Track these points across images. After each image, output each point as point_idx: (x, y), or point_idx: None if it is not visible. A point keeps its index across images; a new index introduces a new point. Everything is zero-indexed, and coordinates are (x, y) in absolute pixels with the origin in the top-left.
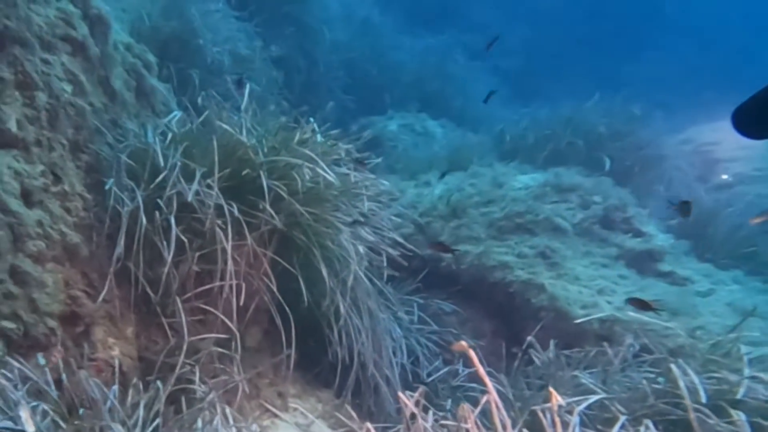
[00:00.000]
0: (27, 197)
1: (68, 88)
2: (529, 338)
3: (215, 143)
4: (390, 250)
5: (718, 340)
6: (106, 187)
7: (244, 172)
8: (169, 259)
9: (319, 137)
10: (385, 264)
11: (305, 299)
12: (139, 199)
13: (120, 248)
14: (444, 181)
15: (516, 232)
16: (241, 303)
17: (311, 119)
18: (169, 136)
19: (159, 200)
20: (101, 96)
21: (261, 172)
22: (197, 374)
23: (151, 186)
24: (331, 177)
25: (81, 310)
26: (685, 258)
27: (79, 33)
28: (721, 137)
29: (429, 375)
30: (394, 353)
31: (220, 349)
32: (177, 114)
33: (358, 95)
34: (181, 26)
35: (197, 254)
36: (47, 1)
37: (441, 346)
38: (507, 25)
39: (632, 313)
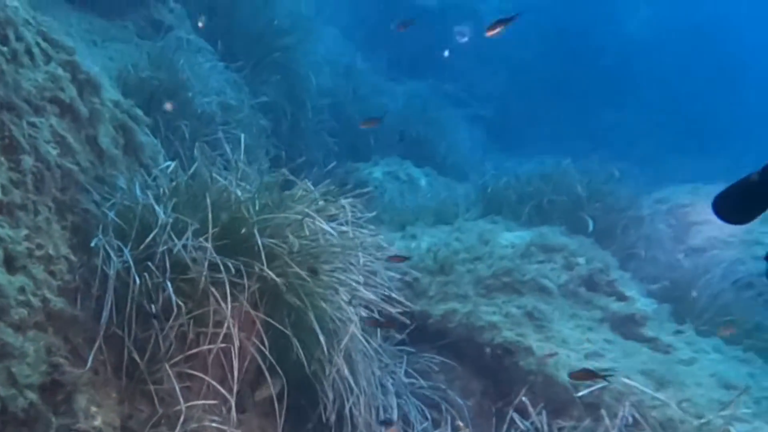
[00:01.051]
0: (10, 263)
1: (55, 150)
2: (523, 399)
3: (208, 200)
4: (387, 307)
5: (709, 419)
6: (92, 244)
7: (240, 230)
8: (168, 323)
9: (316, 194)
10: (379, 320)
11: (299, 358)
12: (128, 257)
13: (107, 312)
14: (431, 234)
15: (503, 291)
16: (234, 366)
17: (306, 179)
18: (160, 191)
19: (149, 261)
20: (89, 154)
21: (255, 231)
22: None
23: (141, 246)
24: (331, 233)
25: (63, 378)
26: (668, 324)
27: (67, 95)
28: (695, 199)
29: None
30: (385, 410)
31: (212, 419)
32: (170, 165)
33: (342, 138)
34: (169, 77)
35: (188, 317)
36: (36, 66)
37: (430, 404)
38: (484, 73)
39: (626, 380)
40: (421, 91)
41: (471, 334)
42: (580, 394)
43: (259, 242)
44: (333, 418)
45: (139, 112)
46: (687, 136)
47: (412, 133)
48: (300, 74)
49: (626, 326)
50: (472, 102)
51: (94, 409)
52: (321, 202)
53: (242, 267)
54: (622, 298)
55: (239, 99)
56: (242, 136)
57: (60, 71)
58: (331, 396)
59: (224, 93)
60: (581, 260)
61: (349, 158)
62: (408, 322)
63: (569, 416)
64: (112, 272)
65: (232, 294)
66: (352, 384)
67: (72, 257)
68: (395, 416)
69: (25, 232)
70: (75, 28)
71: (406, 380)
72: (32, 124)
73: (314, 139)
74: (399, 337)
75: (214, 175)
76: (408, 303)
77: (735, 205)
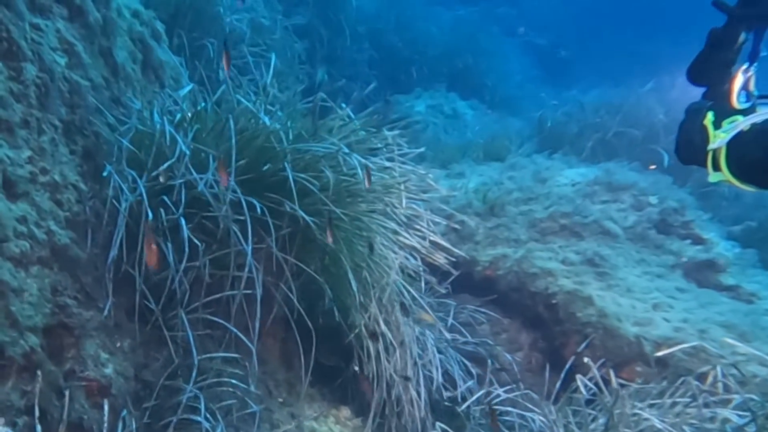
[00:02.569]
0: (9, 189)
1: (63, 59)
2: (585, 360)
3: (232, 125)
4: (431, 254)
5: None
6: (104, 174)
7: (268, 163)
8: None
9: (356, 123)
10: (421, 269)
11: (330, 309)
12: (142, 190)
13: (115, 249)
14: (479, 173)
15: (561, 235)
16: (257, 314)
17: (344, 104)
18: (178, 116)
19: (166, 194)
20: (102, 69)
21: (285, 164)
22: (203, 403)
23: (156, 175)
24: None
25: (71, 320)
26: (752, 270)
27: None
28: None
29: (462, 397)
30: (424, 367)
31: (232, 372)
32: (189, 87)
33: (382, 70)
34: None
35: (208, 258)
36: None
37: (474, 359)
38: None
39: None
40: (470, 17)
41: (522, 282)
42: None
43: (290, 176)
44: (365, 373)
45: (161, 26)
46: None
47: (459, 63)
48: None
49: (702, 273)
50: (527, 29)
51: (104, 355)
52: (362, 133)
53: (270, 205)
54: (698, 241)
55: (272, 18)
56: (273, 56)
57: None
58: (363, 350)
59: (255, 10)
60: (653, 199)
61: (389, 91)
62: (452, 270)
63: (633, 373)
64: (123, 206)
65: (257, 235)
66: (390, 338)
67: (82, 186)
68: (438, 374)
69: (27, 153)
70: None
71: (448, 335)
72: (35, 27)
73: (352, 69)
74: (442, 287)
75: (239, 98)
76: (455, 249)
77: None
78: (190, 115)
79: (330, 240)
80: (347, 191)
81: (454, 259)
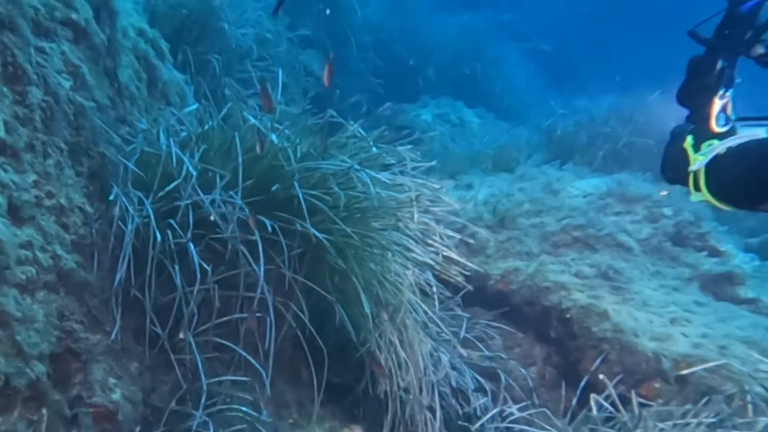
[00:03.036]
0: (15, 214)
1: (68, 82)
2: (601, 377)
3: (238, 143)
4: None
5: None
6: (111, 197)
7: (276, 182)
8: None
9: (369, 141)
10: (433, 285)
11: (342, 327)
12: (150, 211)
13: (122, 271)
14: (488, 184)
15: (574, 248)
16: (270, 336)
17: (352, 122)
18: (183, 135)
19: (172, 216)
20: (107, 90)
21: (294, 183)
22: (212, 430)
23: (162, 196)
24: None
25: (78, 345)
26: None
27: (82, 16)
28: None
29: (476, 414)
30: (439, 384)
31: (242, 397)
32: (194, 105)
33: (387, 78)
34: (200, 5)
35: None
36: None
37: (487, 374)
38: (543, 4)
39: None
40: (475, 24)
41: (535, 296)
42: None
43: (300, 195)
44: (378, 393)
45: (165, 45)
46: None
47: (465, 71)
48: (343, 5)
49: (720, 286)
50: (531, 35)
51: (112, 381)
52: (374, 150)
53: (280, 224)
54: (715, 253)
55: (276, 32)
56: (280, 71)
57: None
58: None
59: (260, 24)
60: (667, 211)
61: (395, 99)
62: (464, 284)
63: (651, 390)
64: (130, 228)
65: (267, 255)
66: (402, 356)
67: (88, 208)
68: (452, 392)
69: (33, 177)
70: None
71: (462, 351)
72: (40, 50)
73: (357, 79)
74: (453, 301)
75: (245, 114)
76: (469, 263)
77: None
78: (196, 136)
79: None
80: (357, 208)
81: (466, 273)
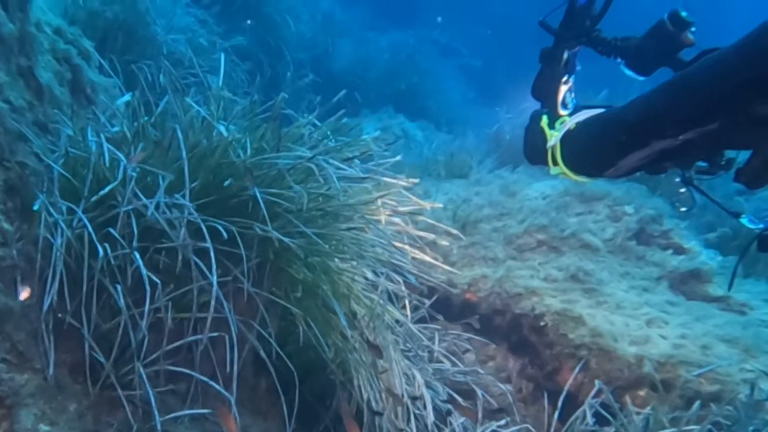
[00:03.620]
0: None
1: None
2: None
3: (180, 136)
4: (414, 278)
5: None
6: (35, 208)
7: (226, 181)
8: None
9: (325, 130)
10: (406, 294)
11: (308, 343)
12: (84, 219)
13: (51, 295)
14: (444, 191)
15: (539, 251)
16: (228, 359)
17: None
18: (115, 129)
19: (110, 226)
20: (23, 91)
21: (249, 181)
22: None
23: (96, 204)
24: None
25: (0, 389)
26: (737, 279)
27: None
28: None
29: None
30: (413, 402)
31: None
32: (127, 96)
33: (325, 94)
34: (124, 10)
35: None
36: None
37: (462, 391)
38: (469, 23)
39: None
40: (407, 42)
41: (506, 303)
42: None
43: (257, 194)
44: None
45: (89, 44)
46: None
47: (401, 85)
48: (276, 20)
49: (688, 284)
50: (461, 51)
51: (44, 428)
52: (332, 143)
53: (234, 230)
54: (680, 250)
55: (210, 40)
56: (222, 56)
57: None
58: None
59: (192, 30)
60: (629, 209)
61: (331, 110)
62: (429, 292)
63: (637, 397)
64: (59, 242)
65: (221, 266)
66: (372, 374)
67: (6, 226)
68: (429, 412)
69: None
70: None
71: (434, 366)
72: None
73: (296, 95)
74: (421, 311)
75: (190, 101)
76: (446, 266)
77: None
78: (132, 131)
79: None
80: (320, 209)
81: (431, 282)
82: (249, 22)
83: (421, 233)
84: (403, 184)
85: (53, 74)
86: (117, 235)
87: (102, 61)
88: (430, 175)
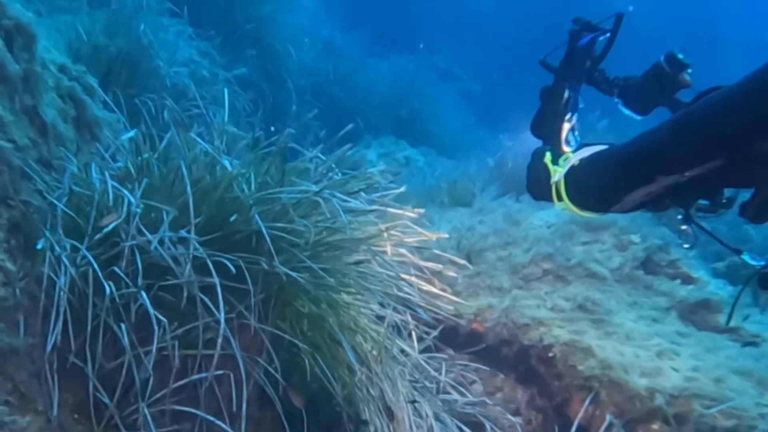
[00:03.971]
0: None
1: None
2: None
3: (185, 171)
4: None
5: None
6: (38, 247)
7: (231, 216)
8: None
9: (330, 164)
10: (411, 324)
11: (315, 378)
12: (88, 257)
13: (55, 335)
14: (448, 219)
15: (545, 280)
16: (233, 396)
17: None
18: (119, 164)
19: (114, 264)
20: (27, 129)
21: (256, 215)
22: None
23: (99, 241)
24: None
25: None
26: (748, 309)
27: None
28: None
29: None
30: None
31: None
32: (132, 132)
33: (326, 120)
34: (129, 44)
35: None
36: None
37: (470, 423)
38: (469, 48)
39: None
40: (407, 67)
41: (513, 333)
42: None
43: (263, 229)
44: None
45: (93, 80)
46: None
47: (403, 111)
48: (277, 49)
49: (698, 314)
50: (461, 76)
51: None
52: (338, 176)
53: (241, 264)
54: (688, 280)
55: (213, 72)
56: (225, 90)
57: None
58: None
59: (195, 63)
60: (635, 238)
61: (336, 141)
62: (435, 322)
63: (649, 431)
64: (63, 281)
65: (227, 301)
66: (381, 408)
67: (9, 265)
68: None
69: None
70: None
71: (442, 397)
72: None
73: (297, 122)
74: (428, 341)
75: (191, 135)
76: (455, 298)
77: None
78: (135, 167)
79: None
80: (325, 243)
81: (437, 312)
82: (251, 52)
83: (428, 264)
84: (410, 214)
85: (57, 111)
86: (122, 274)
87: (106, 96)
88: (433, 203)
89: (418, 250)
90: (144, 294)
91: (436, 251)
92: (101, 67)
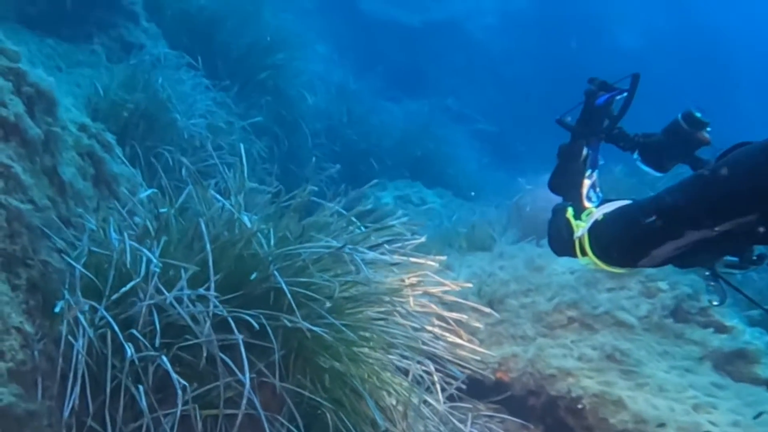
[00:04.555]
0: None
1: None
2: None
3: (204, 229)
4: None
5: None
6: (56, 310)
7: (250, 273)
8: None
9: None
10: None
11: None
12: (108, 318)
13: (73, 398)
14: (467, 264)
15: (570, 328)
16: None
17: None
18: (137, 220)
19: (131, 325)
20: (47, 189)
21: (275, 272)
22: None
23: (117, 301)
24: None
25: None
26: None
27: (11, 111)
28: None
29: None
30: None
31: None
32: (149, 191)
33: (341, 163)
34: (147, 98)
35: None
36: None
37: None
38: (480, 90)
39: None
40: (421, 109)
41: (539, 384)
42: None
43: (284, 286)
44: None
45: (111, 137)
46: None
47: (417, 152)
48: (291, 95)
49: (734, 365)
50: (474, 117)
51: None
52: (361, 228)
53: (262, 322)
54: (722, 329)
55: (228, 121)
56: (241, 146)
57: (0, 81)
58: None
59: (212, 114)
60: (663, 285)
61: (351, 183)
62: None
63: None
64: (81, 343)
65: (248, 359)
66: None
67: (27, 328)
68: None
69: None
70: (35, 53)
71: None
72: None
73: (311, 165)
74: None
75: (211, 193)
76: (483, 350)
77: None
78: (154, 225)
79: None
80: (347, 298)
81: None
82: (265, 98)
83: (453, 315)
84: (431, 264)
85: (76, 169)
86: (141, 337)
87: (123, 149)
88: (451, 247)
89: (439, 298)
90: (165, 359)
91: (458, 299)
92: (119, 121)
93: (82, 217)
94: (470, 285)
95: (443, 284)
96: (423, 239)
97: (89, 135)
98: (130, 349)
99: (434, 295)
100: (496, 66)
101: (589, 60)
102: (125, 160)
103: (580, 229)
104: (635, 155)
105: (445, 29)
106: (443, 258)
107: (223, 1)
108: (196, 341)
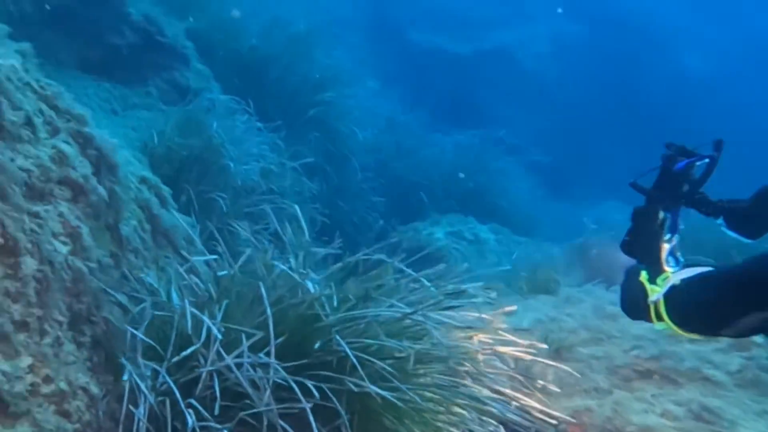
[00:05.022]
0: (5, 410)
1: (65, 247)
2: None
3: (264, 293)
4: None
5: None
6: (124, 378)
7: (312, 337)
8: None
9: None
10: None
11: None
12: (171, 385)
13: None
14: (531, 308)
15: (648, 381)
16: None
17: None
18: (203, 294)
19: (190, 389)
20: (108, 245)
21: (337, 337)
22: None
23: (178, 365)
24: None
25: None
26: None
27: (80, 173)
28: None
29: None
30: None
31: None
32: (211, 257)
33: (390, 196)
34: (201, 144)
35: None
36: (38, 139)
37: None
38: (533, 118)
39: None
40: (471, 141)
41: None
42: None
43: (348, 352)
44: None
45: (167, 190)
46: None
47: (469, 185)
48: (340, 130)
49: None
50: (528, 148)
51: None
52: (433, 291)
53: (321, 386)
54: None
55: (280, 163)
56: (297, 208)
57: (67, 145)
58: None
59: (264, 158)
60: (758, 338)
61: (399, 218)
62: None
63: None
64: (141, 411)
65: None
66: None
67: (92, 388)
68: None
69: (27, 361)
70: (92, 97)
71: None
72: (35, 215)
73: (360, 200)
74: None
75: (277, 264)
76: (554, 412)
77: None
78: (216, 292)
79: None
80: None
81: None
82: (314, 134)
83: (521, 377)
84: (500, 325)
85: (136, 223)
86: (202, 409)
87: (177, 195)
88: (511, 289)
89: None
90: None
91: (527, 355)
92: (174, 165)
93: (142, 270)
94: (545, 346)
95: (514, 342)
96: (494, 294)
97: (149, 187)
98: (191, 417)
99: (504, 354)
100: (548, 95)
101: (643, 86)
102: (178, 207)
103: (655, 293)
104: (719, 221)
105: (496, 58)
106: (513, 308)
107: (275, 41)
108: (256, 410)
